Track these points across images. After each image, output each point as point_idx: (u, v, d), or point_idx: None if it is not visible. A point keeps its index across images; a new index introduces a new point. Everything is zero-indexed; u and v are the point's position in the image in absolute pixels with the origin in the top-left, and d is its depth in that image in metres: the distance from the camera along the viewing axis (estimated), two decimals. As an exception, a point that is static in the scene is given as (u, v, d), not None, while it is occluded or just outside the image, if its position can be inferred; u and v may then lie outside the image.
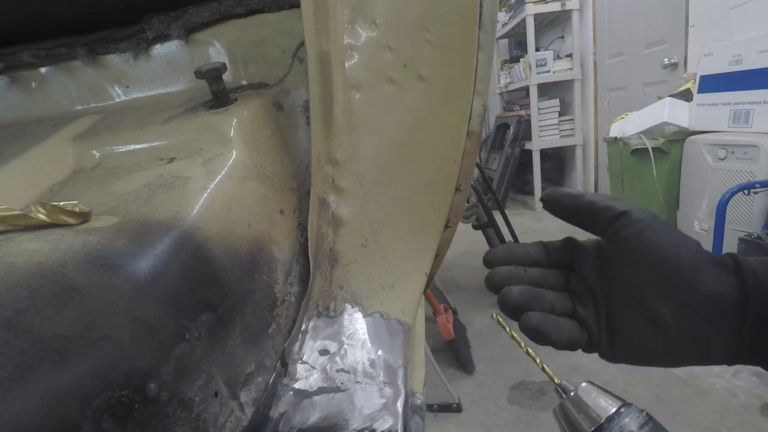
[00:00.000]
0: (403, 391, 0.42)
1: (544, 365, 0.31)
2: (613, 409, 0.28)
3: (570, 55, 3.98)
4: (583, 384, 0.30)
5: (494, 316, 0.34)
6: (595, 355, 0.35)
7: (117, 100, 0.69)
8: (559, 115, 4.13)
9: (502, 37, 4.81)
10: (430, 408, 1.68)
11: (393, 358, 0.44)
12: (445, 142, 0.52)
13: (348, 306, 0.47)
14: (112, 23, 0.66)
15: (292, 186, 0.55)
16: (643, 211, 0.35)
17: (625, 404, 0.29)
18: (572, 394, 0.30)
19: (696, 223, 2.21)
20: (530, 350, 0.32)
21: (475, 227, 2.44)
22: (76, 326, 0.25)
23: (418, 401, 0.46)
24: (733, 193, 1.75)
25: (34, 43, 0.68)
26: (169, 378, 0.30)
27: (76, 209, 0.34)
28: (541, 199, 0.39)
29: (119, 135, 0.54)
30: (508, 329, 0.35)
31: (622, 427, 0.27)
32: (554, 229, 3.70)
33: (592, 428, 0.28)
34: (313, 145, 0.51)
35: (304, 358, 0.44)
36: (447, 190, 0.52)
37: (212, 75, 0.52)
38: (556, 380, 0.31)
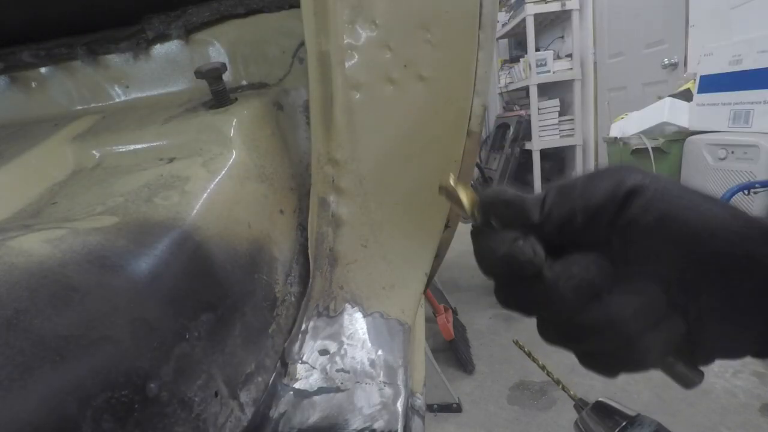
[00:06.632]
0: (403, 391, 0.42)
1: (563, 384, 0.35)
2: (627, 419, 0.32)
3: (570, 55, 3.97)
4: (600, 399, 0.34)
5: (516, 342, 0.39)
6: None
7: (117, 100, 0.69)
8: (559, 115, 4.13)
9: (502, 37, 4.81)
10: (430, 408, 1.68)
11: (393, 358, 0.44)
12: (445, 142, 0.52)
13: (348, 306, 0.47)
14: (112, 23, 0.66)
15: (292, 186, 0.54)
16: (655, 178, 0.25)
17: (639, 415, 0.32)
18: (590, 407, 0.34)
19: (696, 223, 2.21)
20: (549, 370, 0.37)
21: (475, 227, 2.44)
22: (76, 326, 0.25)
23: (418, 401, 0.46)
24: (733, 193, 1.75)
25: (34, 43, 0.68)
26: (169, 378, 0.30)
27: None
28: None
29: (119, 135, 0.54)
30: (532, 356, 0.39)
31: None
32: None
33: None
34: (313, 145, 0.51)
35: (304, 358, 0.44)
36: (447, 190, 0.52)
37: (212, 75, 0.52)
38: (576, 397, 0.35)
